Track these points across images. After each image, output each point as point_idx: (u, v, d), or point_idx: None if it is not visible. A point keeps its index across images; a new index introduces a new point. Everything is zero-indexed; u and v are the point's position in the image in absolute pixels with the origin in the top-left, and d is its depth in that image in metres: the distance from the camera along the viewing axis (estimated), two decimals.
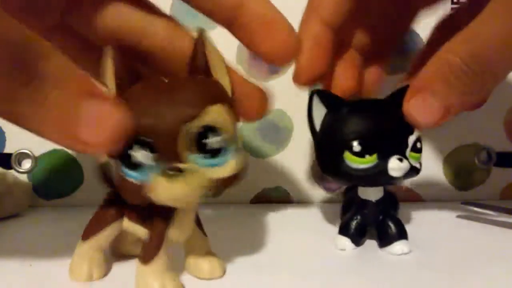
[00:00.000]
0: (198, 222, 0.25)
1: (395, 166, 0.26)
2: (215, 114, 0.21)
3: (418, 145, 0.27)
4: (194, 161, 0.20)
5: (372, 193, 0.28)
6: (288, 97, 0.39)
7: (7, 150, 0.39)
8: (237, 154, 0.22)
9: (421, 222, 0.34)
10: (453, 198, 0.41)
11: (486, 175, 0.41)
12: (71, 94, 0.19)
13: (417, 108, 0.25)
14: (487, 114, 0.40)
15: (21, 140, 0.39)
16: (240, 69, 0.39)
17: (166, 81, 0.22)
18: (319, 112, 0.28)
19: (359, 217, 0.29)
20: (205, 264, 0.24)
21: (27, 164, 0.39)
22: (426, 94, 0.25)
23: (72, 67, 0.19)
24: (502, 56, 0.23)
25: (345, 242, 0.28)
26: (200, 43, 0.22)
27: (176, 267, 0.24)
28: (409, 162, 0.26)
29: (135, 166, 0.20)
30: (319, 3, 0.28)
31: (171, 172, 0.20)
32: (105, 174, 0.27)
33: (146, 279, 0.22)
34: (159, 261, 0.22)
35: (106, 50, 0.21)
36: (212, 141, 0.21)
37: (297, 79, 0.28)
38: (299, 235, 0.32)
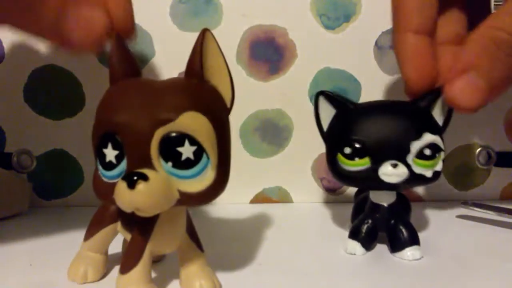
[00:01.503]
0: (193, 235, 0.23)
1: (387, 172, 0.25)
2: (192, 121, 0.19)
3: (427, 151, 0.25)
4: (165, 170, 0.19)
5: (384, 197, 0.28)
6: (288, 97, 0.40)
7: (7, 150, 0.39)
8: (214, 171, 0.20)
9: (421, 222, 0.34)
10: (453, 198, 0.41)
11: (486, 175, 0.41)
12: (54, 3, 0.23)
13: (461, 90, 0.24)
14: (487, 114, 0.40)
15: (21, 140, 0.39)
16: (240, 69, 0.39)
17: (154, 81, 0.21)
18: (326, 112, 0.28)
19: (370, 221, 0.28)
20: (196, 283, 0.22)
21: (27, 164, 0.39)
22: (471, 74, 0.23)
23: None
24: None
25: (355, 246, 0.28)
26: (200, 43, 0.21)
27: (172, 277, 0.24)
28: (409, 168, 0.25)
29: (108, 166, 0.20)
30: (405, 15, 0.27)
31: (134, 177, 0.18)
32: None
33: None
34: (138, 271, 0.21)
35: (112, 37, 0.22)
36: (186, 150, 0.19)
37: (409, 92, 0.28)
38: (299, 236, 0.32)
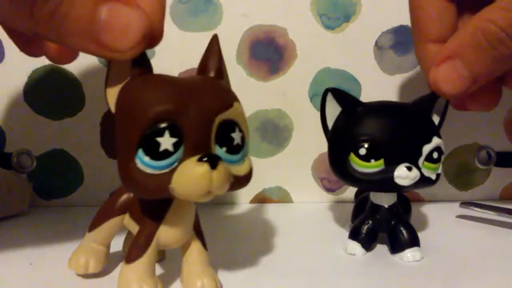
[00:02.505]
0: (199, 233, 0.24)
1: (402, 174, 0.25)
2: (240, 110, 0.21)
3: (435, 155, 0.26)
4: (219, 154, 0.20)
5: (384, 198, 0.28)
6: (288, 97, 0.40)
7: (7, 150, 0.39)
8: (247, 155, 0.22)
9: (421, 222, 0.34)
10: (453, 198, 0.41)
11: (486, 175, 0.41)
12: (87, 2, 0.19)
13: (445, 75, 0.24)
14: (487, 114, 0.40)
15: (21, 140, 0.39)
16: (240, 69, 0.39)
17: (188, 77, 0.22)
18: (333, 110, 0.28)
19: (370, 222, 0.28)
20: (197, 281, 0.23)
21: (27, 164, 0.39)
22: (456, 61, 0.24)
23: None
24: None
25: (355, 247, 0.28)
26: (215, 46, 0.23)
27: (175, 273, 0.24)
28: (420, 171, 0.25)
29: (161, 155, 0.19)
30: (425, 25, 0.27)
31: (204, 160, 0.19)
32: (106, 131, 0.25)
33: (126, 278, 0.21)
34: (142, 263, 0.21)
35: None
36: (238, 136, 0.21)
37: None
38: (299, 236, 0.32)
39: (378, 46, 0.39)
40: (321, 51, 0.39)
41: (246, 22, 0.39)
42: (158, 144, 0.19)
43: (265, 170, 0.40)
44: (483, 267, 0.26)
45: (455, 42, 0.25)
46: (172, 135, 0.19)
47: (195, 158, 0.19)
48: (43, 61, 0.38)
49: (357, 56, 0.39)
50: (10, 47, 0.38)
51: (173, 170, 0.19)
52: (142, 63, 0.21)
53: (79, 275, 0.24)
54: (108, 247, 0.25)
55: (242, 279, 0.24)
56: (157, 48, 0.38)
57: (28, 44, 0.25)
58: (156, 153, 0.19)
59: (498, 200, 0.41)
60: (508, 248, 0.29)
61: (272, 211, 0.38)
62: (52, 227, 0.34)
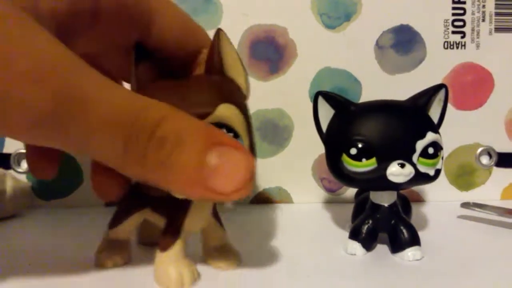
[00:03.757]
0: (216, 215, 0.25)
1: (395, 172, 0.25)
2: (227, 112, 0.21)
3: (430, 150, 0.25)
4: None
5: (384, 197, 0.28)
6: (288, 97, 0.39)
7: (6, 150, 0.39)
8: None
9: (422, 222, 0.34)
10: (453, 199, 0.40)
11: (487, 175, 0.41)
12: (197, 149, 0.19)
13: None
14: (488, 114, 0.40)
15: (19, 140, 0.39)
16: None
17: (181, 80, 0.23)
18: (325, 112, 0.28)
19: (370, 221, 0.28)
20: (221, 256, 0.25)
21: (26, 164, 0.39)
22: None
23: (191, 121, 0.19)
24: None
25: (356, 246, 0.28)
26: (217, 42, 0.23)
27: (194, 256, 0.25)
28: (415, 168, 0.25)
29: None
30: None
31: None
32: None
33: (164, 266, 0.22)
34: (176, 249, 0.23)
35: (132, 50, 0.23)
36: None
37: None
38: (300, 236, 0.32)
39: (379, 46, 0.39)
40: (321, 51, 0.39)
41: (246, 22, 0.38)
42: None
43: (265, 170, 0.40)
44: (484, 267, 0.26)
45: None
46: None
47: None
48: None
49: (357, 55, 0.39)
50: None
51: None
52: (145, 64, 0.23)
53: (101, 270, 0.25)
54: (130, 238, 0.26)
55: (242, 279, 0.24)
56: None
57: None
58: None
59: (499, 201, 0.41)
60: (509, 249, 0.29)
61: (272, 212, 0.37)
62: (51, 227, 0.34)
